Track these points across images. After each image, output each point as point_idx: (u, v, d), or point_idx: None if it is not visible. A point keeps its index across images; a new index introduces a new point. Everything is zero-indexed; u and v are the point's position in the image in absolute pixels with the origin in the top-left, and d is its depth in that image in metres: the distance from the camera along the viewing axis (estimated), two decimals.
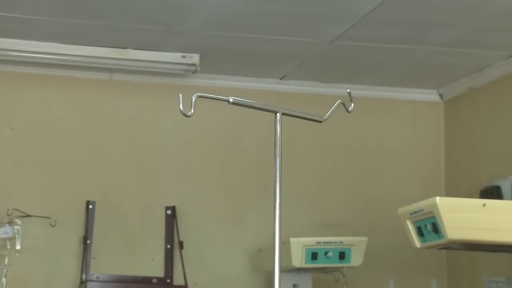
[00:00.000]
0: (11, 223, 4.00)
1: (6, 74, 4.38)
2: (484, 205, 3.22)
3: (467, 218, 3.20)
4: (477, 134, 4.62)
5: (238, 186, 4.61)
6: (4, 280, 3.98)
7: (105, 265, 4.29)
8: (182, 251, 4.31)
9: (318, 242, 4.02)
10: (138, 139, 4.52)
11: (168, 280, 4.29)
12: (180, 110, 1.72)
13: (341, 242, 4.04)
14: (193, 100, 1.71)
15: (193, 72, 4.36)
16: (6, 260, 3.99)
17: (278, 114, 1.79)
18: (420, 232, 3.37)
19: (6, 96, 4.39)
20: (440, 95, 4.95)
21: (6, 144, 4.34)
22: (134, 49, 4.24)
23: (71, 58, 4.22)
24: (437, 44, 4.09)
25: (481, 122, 4.61)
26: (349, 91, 1.85)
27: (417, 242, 3.43)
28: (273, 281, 1.70)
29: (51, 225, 4.16)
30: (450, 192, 4.75)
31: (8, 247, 3.98)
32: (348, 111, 1.83)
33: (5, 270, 3.98)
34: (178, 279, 4.30)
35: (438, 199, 3.21)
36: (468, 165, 4.68)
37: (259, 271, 4.46)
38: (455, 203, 3.32)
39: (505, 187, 4.07)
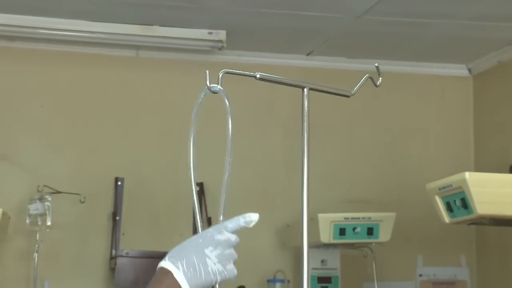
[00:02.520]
0: (41, 199, 4.05)
1: (35, 52, 4.41)
2: None
3: (497, 193, 3.18)
4: (506, 109, 4.57)
5: (265, 162, 4.61)
6: (36, 255, 4.04)
7: (134, 241, 4.33)
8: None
9: (346, 218, 4.02)
10: (166, 115, 4.53)
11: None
12: (207, 87, 1.72)
13: (369, 218, 4.04)
14: (220, 76, 1.71)
15: (220, 49, 4.36)
16: (38, 235, 4.04)
17: (305, 89, 1.79)
18: (449, 208, 3.36)
19: (35, 74, 4.43)
20: (469, 70, 4.90)
21: (36, 122, 4.38)
22: (160, 26, 4.24)
23: (98, 35, 4.23)
24: (466, 18, 4.04)
25: (510, 96, 4.56)
26: (377, 65, 1.84)
27: (446, 217, 3.42)
28: (301, 257, 1.70)
29: (80, 201, 4.20)
30: (479, 167, 4.71)
31: (39, 223, 4.03)
32: (376, 86, 1.82)
33: (36, 245, 4.04)
34: None
35: (467, 174, 3.20)
36: (498, 140, 4.64)
37: (287, 247, 4.48)
38: (484, 178, 3.30)
39: None
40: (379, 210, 4.21)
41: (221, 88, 1.66)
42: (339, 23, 4.15)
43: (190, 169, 1.66)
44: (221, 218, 1.63)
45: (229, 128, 1.62)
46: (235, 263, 1.56)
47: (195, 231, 4.36)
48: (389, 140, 4.77)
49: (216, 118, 4.65)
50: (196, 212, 1.65)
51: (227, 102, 1.65)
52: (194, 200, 1.65)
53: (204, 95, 1.67)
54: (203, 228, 1.61)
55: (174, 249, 1.57)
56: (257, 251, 4.49)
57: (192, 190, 1.67)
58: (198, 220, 1.67)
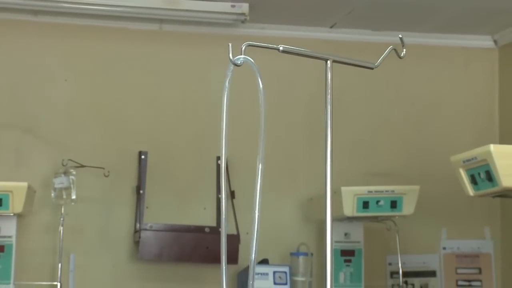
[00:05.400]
0: (66, 173, 4.08)
1: (58, 26, 4.42)
2: None
3: None
4: None
5: (289, 135, 4.60)
6: (61, 228, 4.08)
7: (158, 214, 4.35)
8: (234, 200, 4.34)
9: (370, 191, 4.02)
10: (189, 89, 4.53)
11: (220, 229, 4.33)
12: (230, 60, 1.72)
13: (392, 191, 4.03)
14: (243, 49, 1.71)
15: (243, 22, 4.34)
16: (63, 209, 4.08)
17: (328, 62, 1.78)
18: (473, 180, 3.34)
19: (58, 48, 4.44)
20: (495, 41, 4.85)
21: (60, 96, 4.40)
22: None
23: (121, 9, 4.23)
24: None
25: None
26: (401, 36, 1.83)
27: (470, 190, 3.40)
28: (325, 230, 1.70)
29: (104, 175, 4.23)
30: (504, 140, 4.67)
31: (64, 196, 4.07)
32: (400, 57, 1.81)
33: (62, 219, 4.08)
34: (230, 229, 4.34)
35: (492, 146, 3.17)
36: None
37: (310, 220, 4.48)
38: (509, 151, 3.28)
39: None
40: (403, 183, 4.20)
41: (246, 57, 1.66)
42: None
43: (222, 145, 1.67)
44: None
45: (261, 97, 1.62)
46: None
47: (218, 205, 4.39)
48: (413, 113, 4.74)
49: (238, 93, 4.64)
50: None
51: (255, 69, 1.65)
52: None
53: (231, 71, 1.67)
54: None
55: None
56: (280, 224, 4.50)
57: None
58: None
